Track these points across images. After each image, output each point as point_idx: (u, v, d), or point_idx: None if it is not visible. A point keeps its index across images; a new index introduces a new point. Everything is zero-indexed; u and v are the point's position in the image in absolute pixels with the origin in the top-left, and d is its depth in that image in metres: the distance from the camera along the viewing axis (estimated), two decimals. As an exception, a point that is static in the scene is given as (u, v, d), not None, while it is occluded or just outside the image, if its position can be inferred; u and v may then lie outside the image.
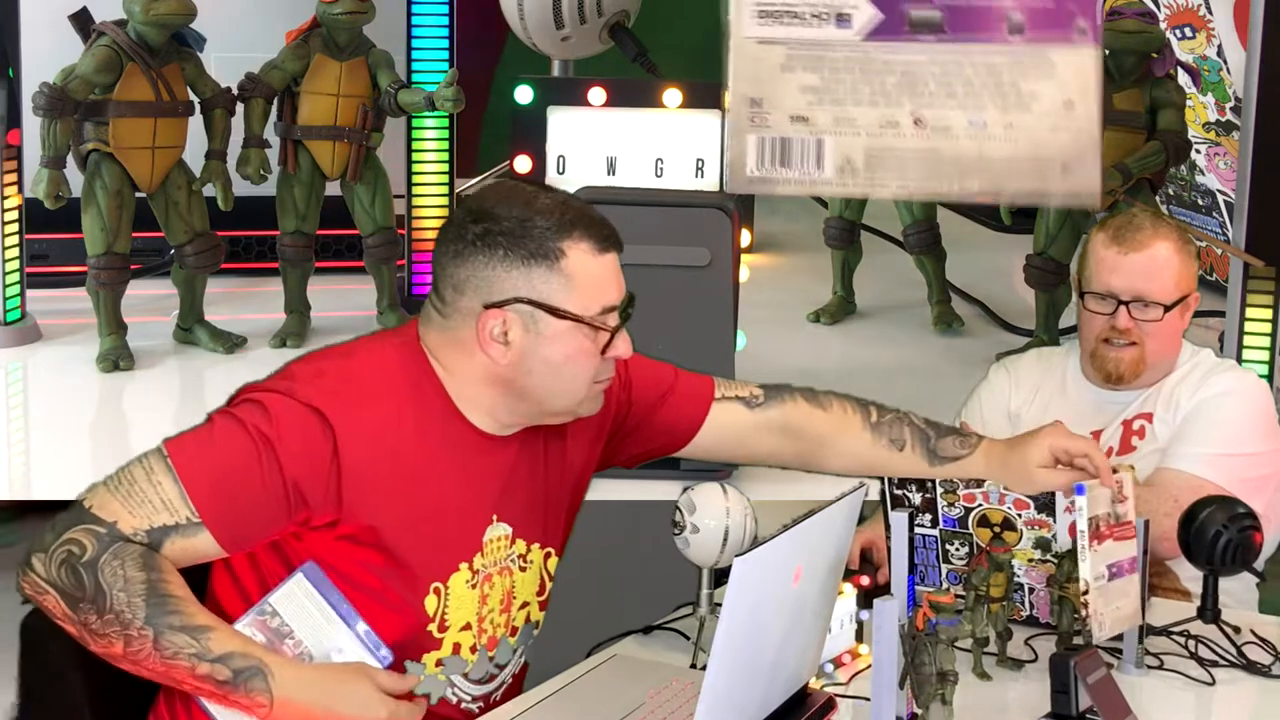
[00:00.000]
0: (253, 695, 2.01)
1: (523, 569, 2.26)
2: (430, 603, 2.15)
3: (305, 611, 2.10)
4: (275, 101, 5.38)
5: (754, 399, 2.47)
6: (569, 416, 2.24)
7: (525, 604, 2.29)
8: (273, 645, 2.08)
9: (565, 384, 2.17)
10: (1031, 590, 2.51)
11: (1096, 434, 2.92)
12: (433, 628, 2.16)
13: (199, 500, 2.02)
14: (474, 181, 7.76)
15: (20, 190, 5.30)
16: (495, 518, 2.21)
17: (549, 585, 2.34)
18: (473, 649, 2.22)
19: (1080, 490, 2.24)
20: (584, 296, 2.14)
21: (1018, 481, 2.40)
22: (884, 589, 2.37)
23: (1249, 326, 4.57)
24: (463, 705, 2.23)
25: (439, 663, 2.19)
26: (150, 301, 5.55)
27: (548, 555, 2.32)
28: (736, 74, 4.41)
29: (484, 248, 2.13)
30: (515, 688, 2.32)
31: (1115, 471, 2.84)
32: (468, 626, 2.20)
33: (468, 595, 2.18)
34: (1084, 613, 2.23)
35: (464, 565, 2.18)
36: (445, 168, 6.27)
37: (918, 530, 2.55)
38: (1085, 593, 2.22)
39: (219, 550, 2.06)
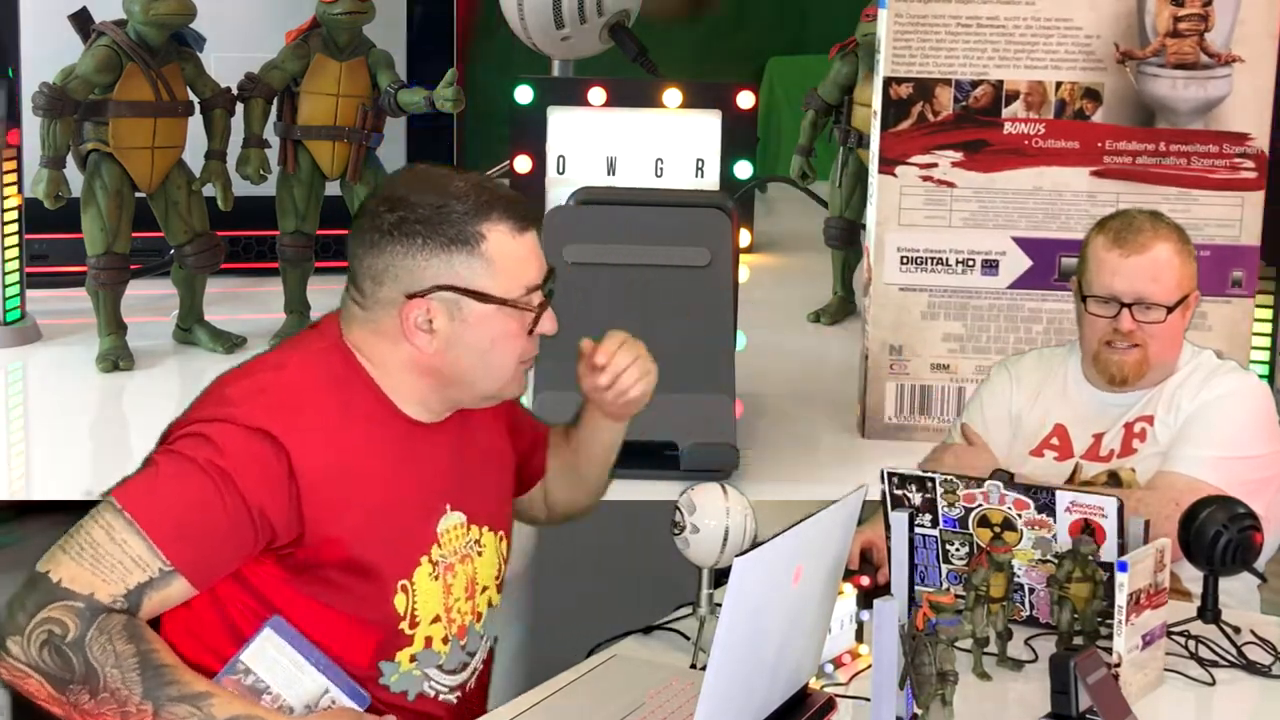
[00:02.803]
0: None
1: (479, 554, 2.27)
2: (400, 602, 2.14)
3: (278, 665, 2.07)
4: (275, 101, 5.38)
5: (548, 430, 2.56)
6: (496, 399, 2.24)
7: (485, 588, 2.30)
8: None
9: (494, 367, 2.15)
10: (1031, 590, 2.51)
11: (1099, 436, 2.92)
12: (404, 625, 2.15)
13: (168, 549, 1.97)
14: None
15: (20, 190, 5.30)
16: (448, 507, 2.21)
17: (503, 569, 2.35)
18: (444, 640, 2.22)
19: (1123, 568, 2.22)
20: (506, 278, 2.11)
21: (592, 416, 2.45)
22: (884, 589, 2.37)
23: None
24: (440, 698, 2.23)
25: (413, 659, 2.19)
26: (150, 301, 5.55)
27: (500, 538, 2.33)
28: (876, 320, 4.45)
29: (401, 237, 2.09)
30: (486, 673, 2.34)
31: (1119, 482, 2.85)
32: (437, 619, 2.20)
33: (433, 589, 2.17)
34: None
35: (424, 559, 2.17)
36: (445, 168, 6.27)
37: (918, 530, 2.55)
38: (1118, 664, 2.21)
39: (191, 591, 2.01)
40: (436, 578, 2.18)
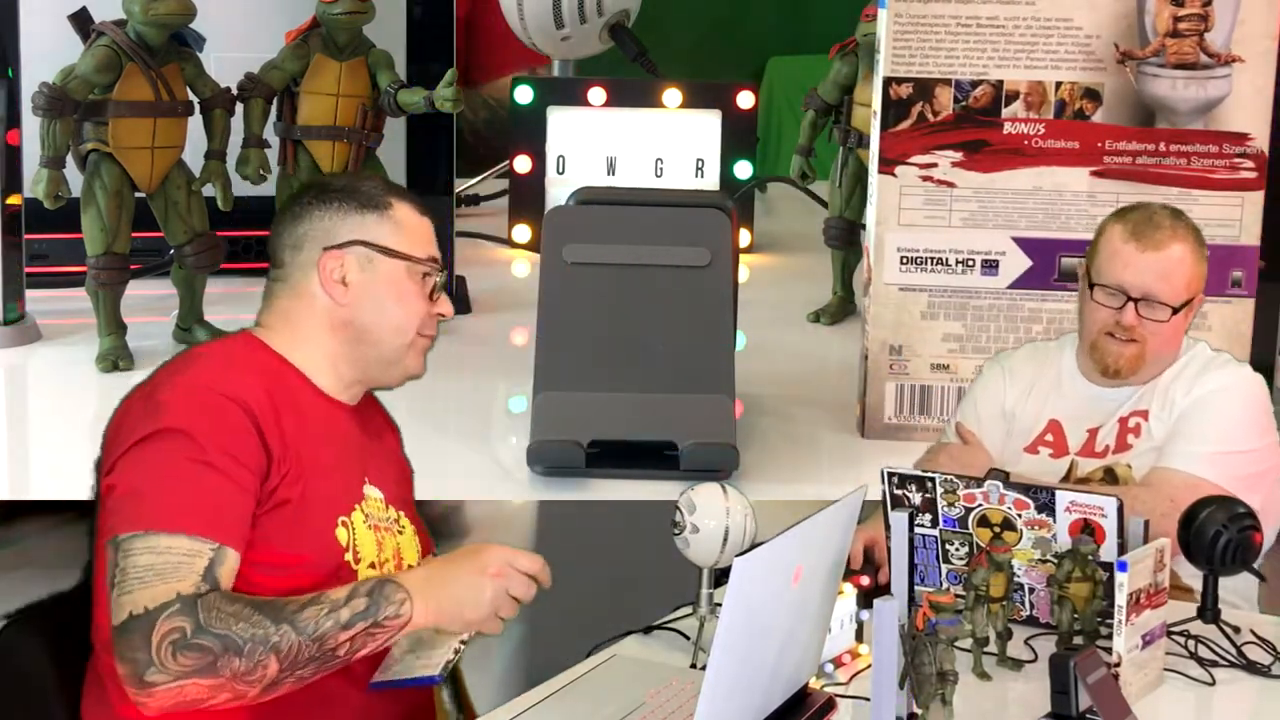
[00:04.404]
0: (393, 599, 2.06)
1: (401, 533, 2.34)
2: (342, 535, 2.22)
3: None
4: (275, 101, 5.38)
5: None
6: (400, 373, 2.34)
7: (411, 566, 2.32)
8: None
9: (397, 321, 2.30)
10: (1031, 590, 2.51)
11: (1093, 431, 2.92)
12: (349, 558, 2.21)
13: (206, 531, 2.05)
14: (474, 181, 7.78)
15: (20, 190, 5.30)
16: (366, 480, 2.30)
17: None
18: None
19: (1123, 567, 2.22)
20: (412, 241, 2.31)
21: None
22: (884, 589, 2.37)
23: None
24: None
25: None
26: (150, 301, 5.56)
27: (415, 533, 2.38)
28: (876, 320, 4.46)
29: (319, 204, 2.31)
30: None
31: (1116, 478, 2.85)
32: (374, 565, 2.25)
33: (368, 535, 2.26)
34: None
35: (358, 507, 2.26)
36: (445, 168, 6.28)
37: (918, 530, 2.54)
38: (1118, 664, 2.21)
39: (238, 559, 2.09)
40: (370, 528, 2.27)
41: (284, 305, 2.32)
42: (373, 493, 2.29)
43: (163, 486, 2.07)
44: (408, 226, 2.31)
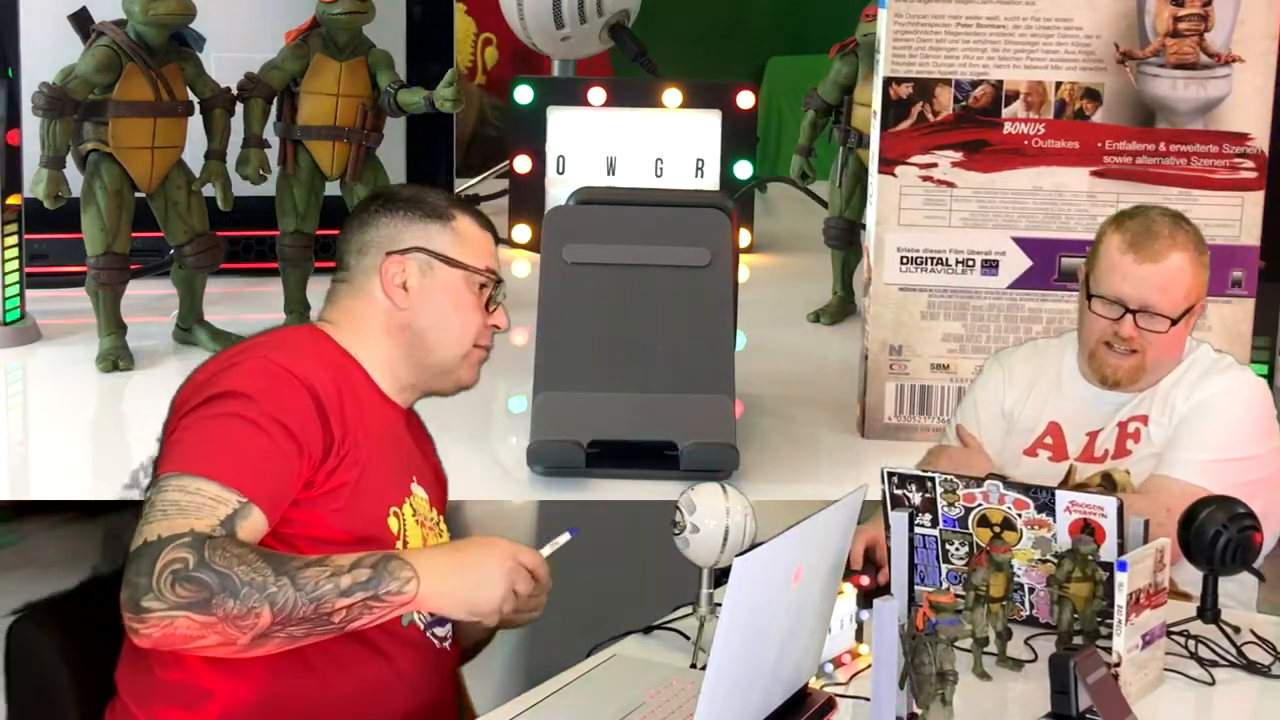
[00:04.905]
0: (398, 575, 2.07)
1: (440, 535, 2.38)
2: (393, 523, 2.26)
3: None
4: (275, 101, 5.38)
5: None
6: (453, 382, 2.41)
7: (422, 549, 2.33)
8: None
9: (453, 331, 2.37)
10: (1031, 590, 2.51)
11: (1093, 435, 2.91)
12: (399, 545, 2.25)
13: (238, 484, 2.08)
14: (474, 181, 7.78)
15: (20, 190, 5.30)
16: (414, 479, 2.35)
17: None
18: None
19: (1123, 567, 2.22)
20: (472, 253, 2.38)
21: None
22: (884, 589, 2.37)
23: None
24: (429, 632, 2.31)
25: None
26: (150, 301, 5.56)
27: (449, 538, 2.40)
28: (876, 320, 4.46)
29: (385, 212, 2.39)
30: (455, 650, 2.39)
31: (1114, 484, 2.85)
32: None
33: (416, 529, 2.30)
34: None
35: (407, 501, 2.30)
36: (445, 168, 6.28)
37: (918, 530, 2.54)
38: (1118, 664, 2.21)
39: (266, 523, 2.12)
40: (418, 523, 2.31)
41: (348, 304, 2.37)
42: (419, 491, 2.34)
43: (207, 436, 2.13)
44: (468, 238, 2.38)
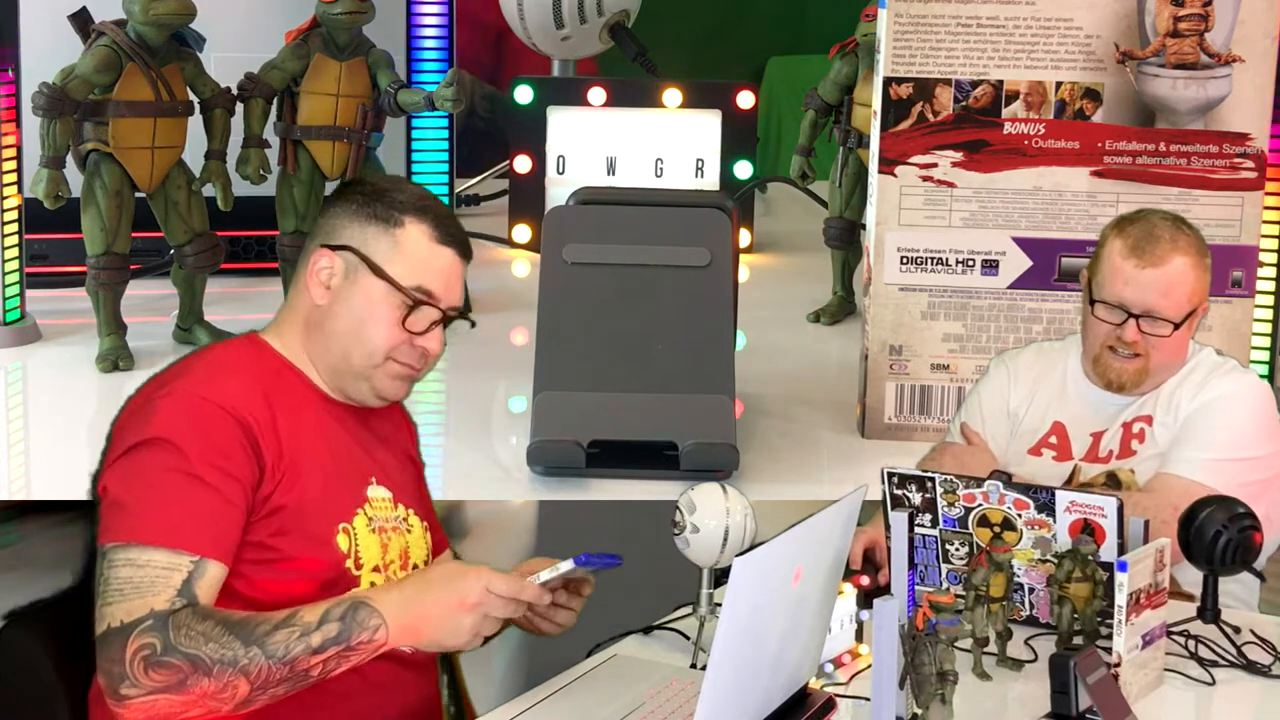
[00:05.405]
0: (366, 624, 2.05)
1: (409, 531, 2.32)
2: (342, 541, 2.20)
3: None
4: (275, 101, 5.38)
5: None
6: (367, 391, 2.28)
7: (417, 566, 2.32)
8: None
9: (363, 341, 2.24)
10: (1031, 590, 2.51)
11: (1097, 436, 2.91)
12: (349, 564, 2.20)
13: (186, 544, 2.05)
14: (474, 181, 7.77)
15: (20, 190, 5.30)
16: (373, 479, 2.28)
17: (432, 560, 2.38)
18: None
19: (1123, 567, 2.22)
20: (405, 268, 2.23)
21: None
22: (884, 589, 2.37)
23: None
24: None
25: None
26: (150, 301, 5.55)
27: (426, 529, 2.36)
28: (876, 320, 4.45)
29: (341, 201, 2.29)
30: (431, 655, 2.33)
31: (1119, 483, 2.85)
32: (377, 569, 2.24)
33: (372, 539, 2.24)
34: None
35: (360, 511, 2.24)
36: (445, 168, 6.27)
37: (918, 530, 2.54)
38: (1118, 664, 2.21)
39: (225, 569, 2.09)
40: (374, 531, 2.24)
41: (290, 297, 2.32)
42: (378, 493, 2.28)
43: (146, 498, 2.08)
44: (410, 250, 2.24)
